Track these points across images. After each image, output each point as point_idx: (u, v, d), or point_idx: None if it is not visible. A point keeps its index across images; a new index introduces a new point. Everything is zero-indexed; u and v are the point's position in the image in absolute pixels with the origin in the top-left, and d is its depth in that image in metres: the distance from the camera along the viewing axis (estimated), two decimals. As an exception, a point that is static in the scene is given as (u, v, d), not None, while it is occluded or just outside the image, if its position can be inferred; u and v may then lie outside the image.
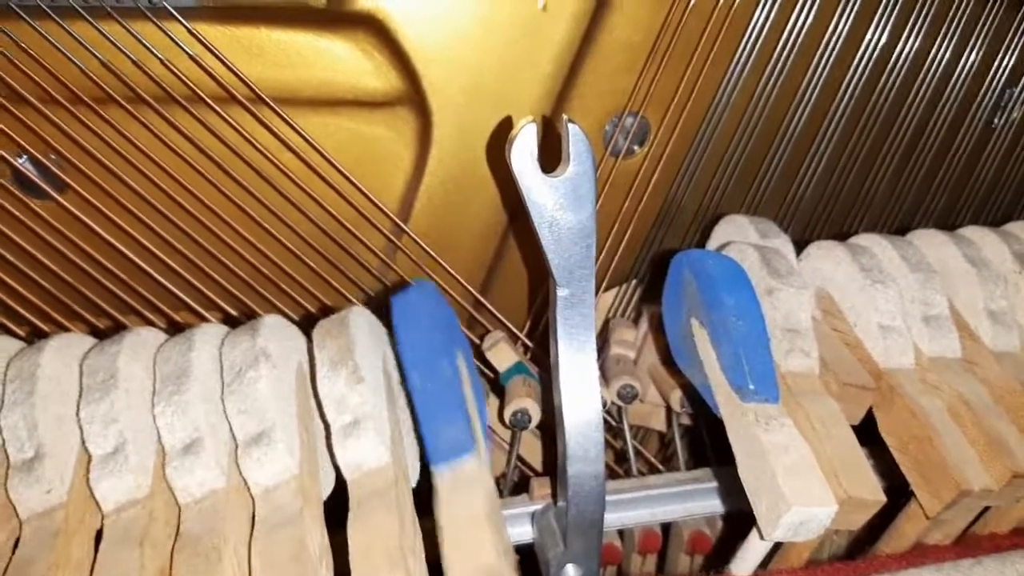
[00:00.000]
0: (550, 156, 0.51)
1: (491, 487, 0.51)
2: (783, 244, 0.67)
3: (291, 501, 0.48)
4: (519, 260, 0.81)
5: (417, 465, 0.56)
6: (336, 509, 0.50)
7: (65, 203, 0.66)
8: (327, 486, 0.54)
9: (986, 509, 0.63)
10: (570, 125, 0.50)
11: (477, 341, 0.77)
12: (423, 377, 0.52)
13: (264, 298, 0.71)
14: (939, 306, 0.63)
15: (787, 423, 0.56)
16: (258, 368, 0.51)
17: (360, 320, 0.56)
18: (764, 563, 0.60)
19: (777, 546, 0.61)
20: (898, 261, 0.65)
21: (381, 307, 0.56)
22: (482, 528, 0.48)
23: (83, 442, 0.50)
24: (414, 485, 0.54)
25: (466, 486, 0.50)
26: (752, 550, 0.58)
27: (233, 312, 0.71)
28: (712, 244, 0.71)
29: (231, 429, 0.51)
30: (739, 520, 0.60)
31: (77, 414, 0.50)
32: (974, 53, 0.83)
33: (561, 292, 0.53)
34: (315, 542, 0.47)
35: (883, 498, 0.53)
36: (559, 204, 0.51)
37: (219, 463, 0.50)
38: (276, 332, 0.54)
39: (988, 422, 0.57)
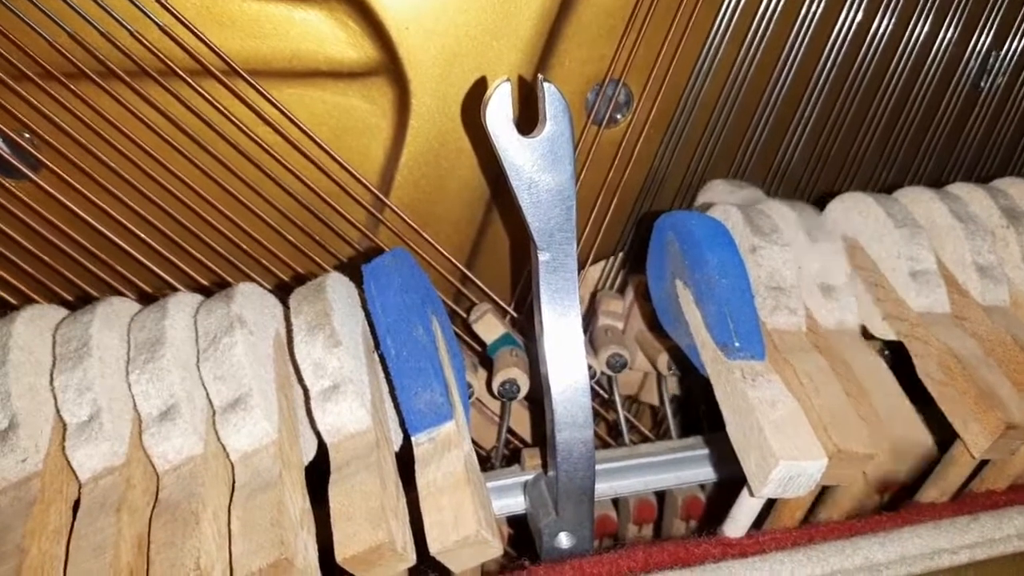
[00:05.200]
0: (530, 123, 0.50)
1: (470, 453, 0.50)
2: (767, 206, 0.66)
3: (270, 466, 0.48)
4: (503, 231, 0.80)
5: (400, 432, 0.55)
6: (322, 480, 0.49)
7: (41, 182, 0.65)
8: (309, 453, 0.53)
9: (982, 465, 0.63)
10: (546, 84, 0.49)
11: (464, 314, 0.76)
12: (397, 343, 0.52)
13: (245, 275, 0.70)
14: (926, 261, 0.63)
15: (774, 379, 0.55)
16: (233, 334, 0.50)
17: (338, 286, 0.55)
18: (758, 523, 0.59)
19: (770, 507, 0.60)
20: (884, 218, 0.64)
21: (360, 279, 0.56)
22: (462, 494, 0.47)
23: (58, 411, 0.49)
24: (396, 450, 0.53)
25: (445, 453, 0.50)
26: (744, 510, 0.57)
27: (213, 290, 0.70)
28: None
29: (208, 395, 0.50)
30: (732, 487, 0.60)
31: (51, 383, 0.49)
32: (958, 16, 0.82)
33: (543, 256, 0.53)
34: (296, 506, 0.46)
35: (874, 451, 0.52)
36: (537, 165, 0.50)
37: (196, 429, 0.49)
38: (252, 300, 0.54)
39: (979, 374, 0.57)
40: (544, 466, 0.65)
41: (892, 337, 0.62)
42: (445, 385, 0.52)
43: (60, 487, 0.48)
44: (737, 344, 0.56)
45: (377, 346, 0.54)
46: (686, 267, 0.60)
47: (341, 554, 0.44)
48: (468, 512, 0.46)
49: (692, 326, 0.60)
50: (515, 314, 0.79)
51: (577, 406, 0.55)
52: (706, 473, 0.69)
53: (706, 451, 0.70)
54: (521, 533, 0.69)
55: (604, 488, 0.67)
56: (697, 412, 0.77)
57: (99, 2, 0.62)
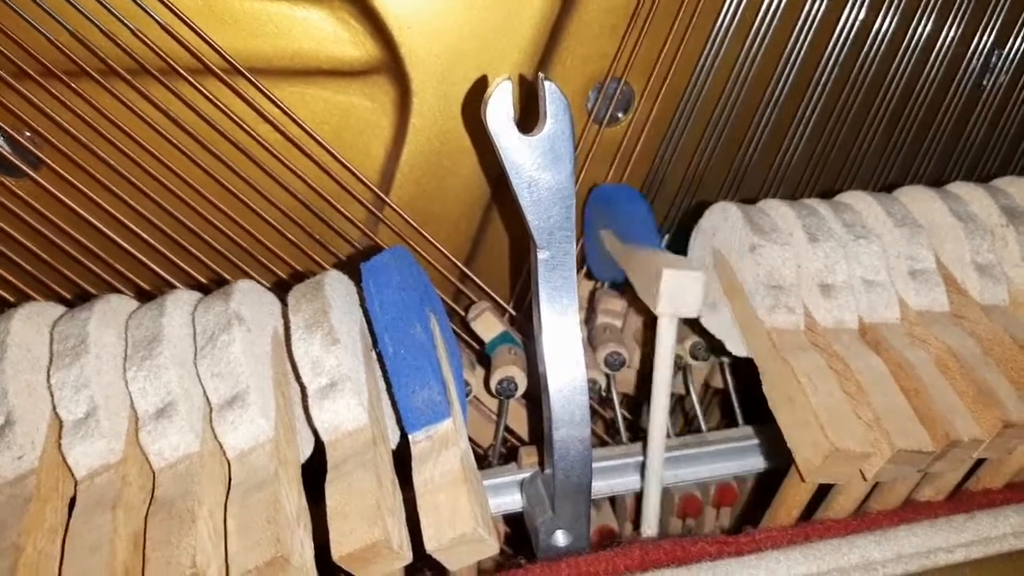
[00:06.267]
0: (531, 121, 0.50)
1: (467, 451, 0.50)
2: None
3: (267, 464, 0.48)
4: (503, 230, 0.80)
5: (397, 430, 0.55)
6: (318, 478, 0.49)
7: (41, 180, 0.65)
8: (306, 451, 0.53)
9: (979, 464, 0.62)
10: (546, 83, 0.49)
11: (462, 313, 0.76)
12: (395, 341, 0.52)
13: (245, 273, 0.71)
14: (925, 260, 0.62)
15: None
16: (231, 331, 0.50)
17: (336, 283, 0.55)
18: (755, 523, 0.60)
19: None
20: (883, 217, 0.64)
21: (359, 277, 0.56)
22: (459, 492, 0.47)
23: (54, 408, 0.49)
24: (394, 448, 0.53)
25: (442, 451, 0.49)
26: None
27: (213, 287, 0.70)
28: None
29: (205, 393, 0.50)
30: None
31: (48, 380, 0.49)
32: (961, 14, 0.82)
33: (542, 255, 0.53)
34: (292, 504, 0.46)
35: (871, 449, 0.52)
36: (537, 164, 0.50)
37: (193, 427, 0.49)
38: (250, 297, 0.54)
39: (977, 373, 0.57)
40: (541, 464, 0.65)
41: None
42: (442, 383, 0.52)
43: (56, 484, 0.48)
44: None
45: (375, 344, 0.54)
46: (606, 214, 0.72)
47: (337, 552, 0.44)
48: (464, 510, 0.46)
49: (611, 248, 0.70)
50: (514, 312, 0.79)
51: (575, 404, 0.55)
52: (704, 471, 0.69)
53: (703, 449, 0.70)
54: (518, 531, 0.69)
55: (601, 486, 0.67)
56: (696, 408, 0.77)
57: (101, 1, 0.62)
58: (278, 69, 0.68)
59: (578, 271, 0.75)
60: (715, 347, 0.72)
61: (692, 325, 0.73)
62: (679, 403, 0.87)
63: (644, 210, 0.71)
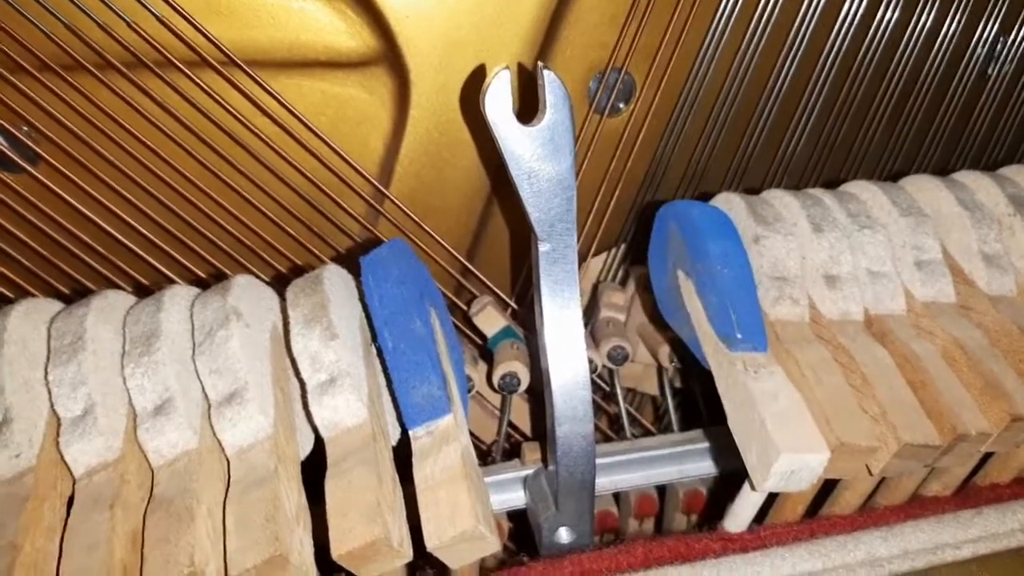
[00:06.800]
0: (531, 112, 0.49)
1: (468, 447, 0.50)
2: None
3: (266, 461, 0.47)
4: (504, 223, 0.80)
5: (397, 426, 0.54)
6: (319, 474, 0.48)
7: (38, 175, 0.65)
8: (305, 448, 0.53)
9: (986, 459, 0.62)
10: (546, 72, 0.49)
11: (464, 307, 0.76)
12: (395, 336, 0.51)
13: (243, 267, 0.70)
14: (931, 250, 0.62)
15: (776, 371, 0.54)
16: (229, 327, 0.50)
17: (335, 278, 0.55)
18: (760, 518, 0.59)
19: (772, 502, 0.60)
20: (888, 206, 0.63)
21: (359, 271, 0.55)
22: (460, 489, 0.47)
23: (52, 405, 0.49)
24: (394, 444, 0.53)
25: (443, 447, 0.49)
26: (744, 504, 0.57)
27: (211, 282, 0.69)
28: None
29: (203, 389, 0.49)
30: (734, 481, 0.59)
31: (45, 377, 0.49)
32: (966, 2, 0.81)
33: (543, 247, 0.52)
34: (292, 501, 0.46)
35: (877, 444, 0.52)
36: (537, 155, 0.49)
37: (191, 424, 0.48)
38: (248, 292, 0.53)
39: (985, 365, 0.56)
40: (544, 460, 0.65)
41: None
42: (443, 378, 0.51)
43: (54, 483, 0.48)
44: (739, 335, 0.56)
45: (375, 339, 0.53)
46: (688, 257, 0.60)
47: (337, 550, 0.44)
48: (465, 507, 0.46)
49: (693, 317, 0.60)
50: (516, 306, 0.78)
51: (577, 399, 0.54)
52: (708, 467, 0.69)
53: (708, 444, 0.69)
54: (521, 527, 0.68)
55: (605, 482, 0.66)
56: (696, 404, 0.77)
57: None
58: (275, 61, 0.67)
59: (581, 263, 0.74)
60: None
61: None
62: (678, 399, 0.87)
63: (741, 275, 0.58)
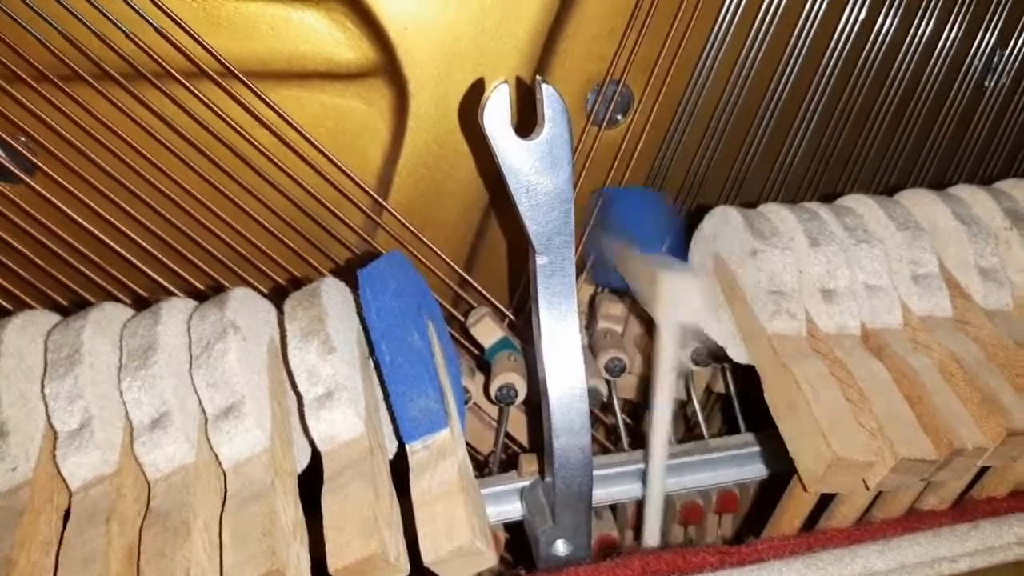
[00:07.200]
0: (529, 125, 0.49)
1: (465, 461, 0.50)
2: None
3: (262, 475, 0.47)
4: (502, 234, 0.80)
5: (395, 440, 0.54)
6: (316, 488, 0.48)
7: (36, 186, 0.65)
8: (302, 461, 0.53)
9: (982, 472, 0.62)
10: (544, 86, 0.49)
11: (462, 318, 0.76)
12: (392, 349, 0.51)
13: (241, 279, 0.70)
14: (928, 264, 0.62)
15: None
16: (226, 340, 0.50)
17: (333, 291, 0.55)
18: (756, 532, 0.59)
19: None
20: (885, 220, 0.63)
21: (356, 283, 0.55)
22: (456, 504, 0.47)
23: (48, 419, 0.49)
24: (391, 458, 0.52)
25: (440, 461, 0.49)
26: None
27: (210, 294, 0.69)
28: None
29: (200, 403, 0.49)
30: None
31: (42, 390, 0.49)
32: (963, 14, 0.81)
33: (540, 260, 0.52)
34: (288, 515, 0.46)
35: (874, 458, 0.52)
36: (535, 168, 0.50)
37: (188, 437, 0.48)
38: (245, 305, 0.53)
39: (981, 380, 0.56)
40: (541, 472, 0.64)
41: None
42: (440, 392, 0.51)
43: (50, 496, 0.48)
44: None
45: (372, 352, 0.53)
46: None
47: (333, 565, 0.44)
48: (462, 521, 0.46)
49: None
50: (513, 318, 0.78)
51: (575, 412, 0.54)
52: (706, 478, 0.69)
53: (707, 456, 0.69)
54: (518, 539, 0.68)
55: (602, 495, 0.66)
56: (697, 415, 0.77)
57: (94, 4, 0.61)
58: (273, 72, 0.67)
59: (578, 276, 0.74)
60: (716, 353, 0.71)
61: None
62: (681, 409, 0.87)
63: (647, 213, 0.70)
